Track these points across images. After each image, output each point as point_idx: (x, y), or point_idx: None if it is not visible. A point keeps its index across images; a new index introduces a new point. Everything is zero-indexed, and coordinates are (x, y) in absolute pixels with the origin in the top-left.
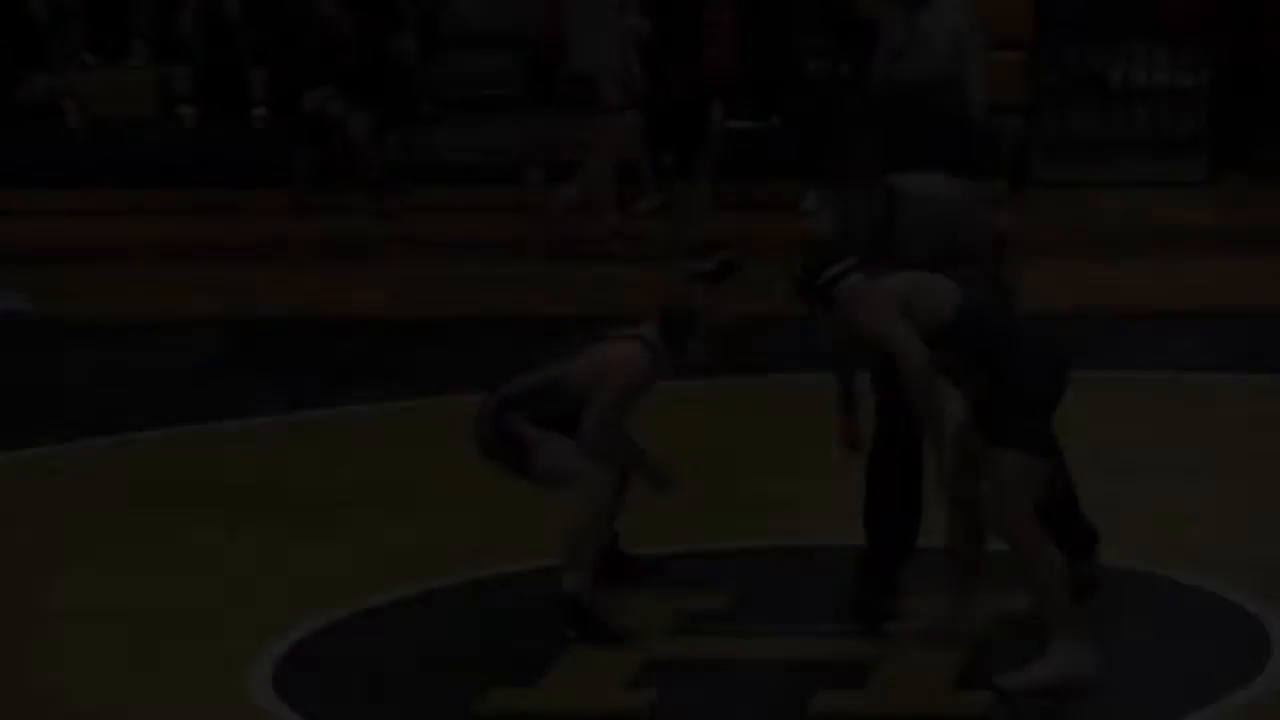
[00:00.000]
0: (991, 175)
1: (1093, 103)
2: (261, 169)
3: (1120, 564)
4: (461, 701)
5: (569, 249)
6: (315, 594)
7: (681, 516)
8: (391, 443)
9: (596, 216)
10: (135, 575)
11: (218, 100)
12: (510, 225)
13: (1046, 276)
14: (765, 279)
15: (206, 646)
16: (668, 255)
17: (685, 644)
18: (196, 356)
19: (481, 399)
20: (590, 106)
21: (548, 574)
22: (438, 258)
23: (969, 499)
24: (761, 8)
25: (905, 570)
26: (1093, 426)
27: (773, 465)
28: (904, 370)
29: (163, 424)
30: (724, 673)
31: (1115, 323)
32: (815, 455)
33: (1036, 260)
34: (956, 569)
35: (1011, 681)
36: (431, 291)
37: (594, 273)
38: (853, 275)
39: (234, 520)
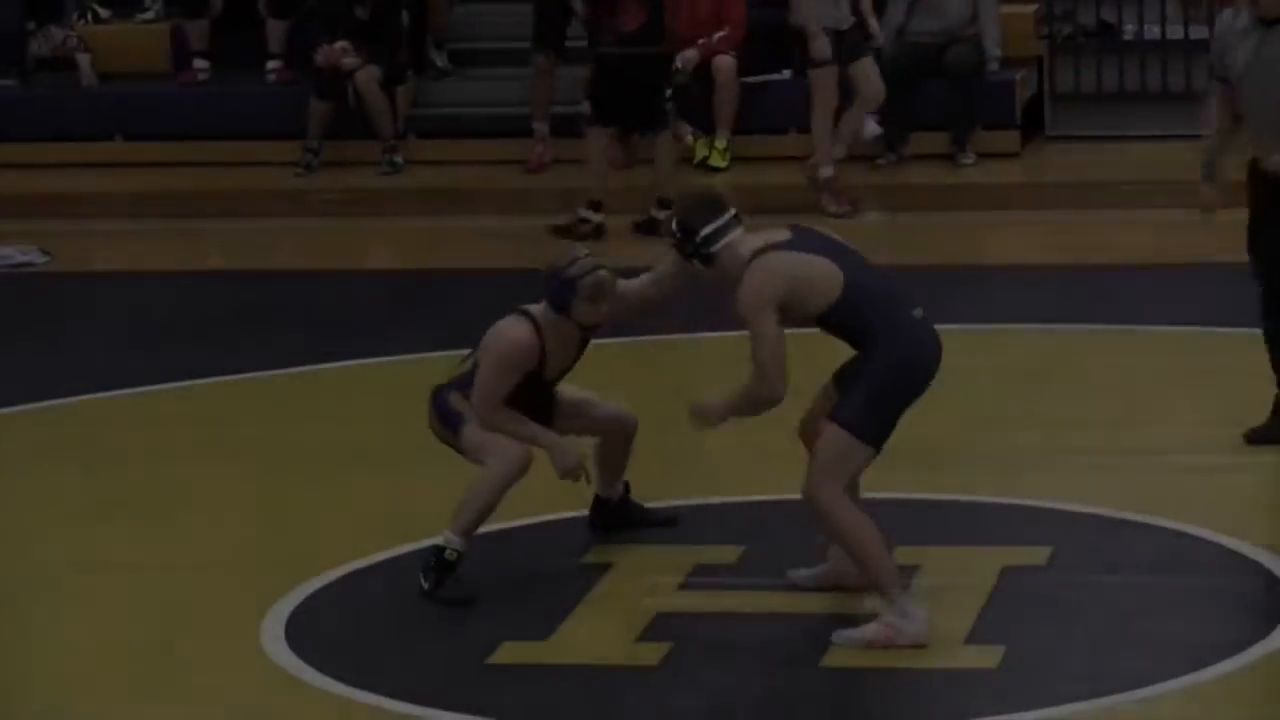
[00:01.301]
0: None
1: (1106, 56)
2: (275, 122)
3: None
4: (474, 655)
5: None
6: (326, 548)
7: (691, 469)
8: (403, 396)
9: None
10: (144, 529)
11: (231, 54)
12: (522, 179)
13: (1059, 229)
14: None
15: (218, 600)
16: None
17: (697, 597)
18: (209, 309)
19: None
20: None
21: (557, 528)
22: (450, 211)
23: (809, 447)
24: None
25: None
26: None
27: (782, 418)
28: (755, 357)
29: (174, 377)
30: (735, 626)
31: (1129, 275)
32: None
33: (1050, 213)
34: None
35: (845, 638)
36: (444, 245)
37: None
38: (732, 231)
39: (244, 474)
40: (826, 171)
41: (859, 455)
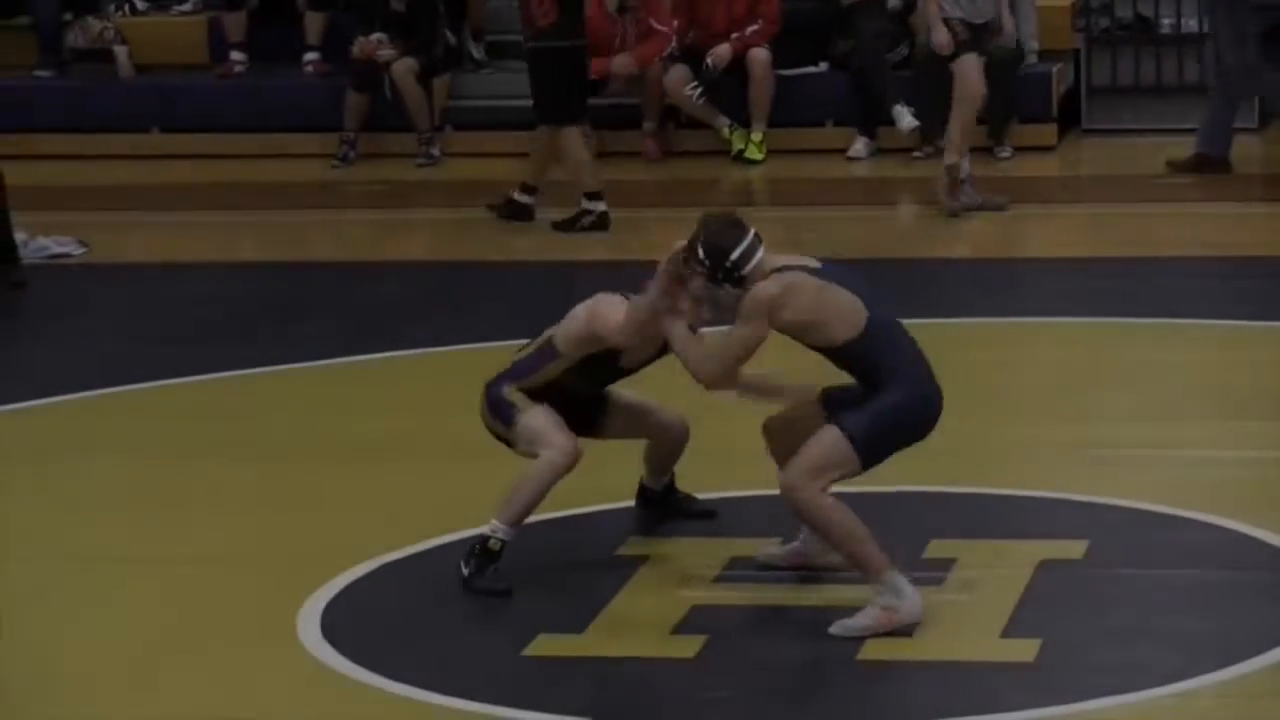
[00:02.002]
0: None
1: (1143, 49)
2: (311, 115)
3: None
4: (511, 647)
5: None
6: (361, 541)
7: (728, 462)
8: (439, 389)
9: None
10: (177, 522)
11: (268, 47)
12: (558, 171)
13: (1095, 223)
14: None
15: (252, 593)
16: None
17: (733, 590)
18: (245, 302)
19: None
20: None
21: (593, 520)
22: (485, 203)
23: (780, 441)
24: None
25: None
26: (1144, 371)
27: None
28: (719, 346)
29: (209, 369)
30: (771, 618)
31: (1163, 268)
32: None
33: (1086, 206)
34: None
35: (844, 628)
36: (480, 237)
37: (639, 217)
38: (759, 249)
39: (278, 467)
40: (954, 161)
41: (848, 466)
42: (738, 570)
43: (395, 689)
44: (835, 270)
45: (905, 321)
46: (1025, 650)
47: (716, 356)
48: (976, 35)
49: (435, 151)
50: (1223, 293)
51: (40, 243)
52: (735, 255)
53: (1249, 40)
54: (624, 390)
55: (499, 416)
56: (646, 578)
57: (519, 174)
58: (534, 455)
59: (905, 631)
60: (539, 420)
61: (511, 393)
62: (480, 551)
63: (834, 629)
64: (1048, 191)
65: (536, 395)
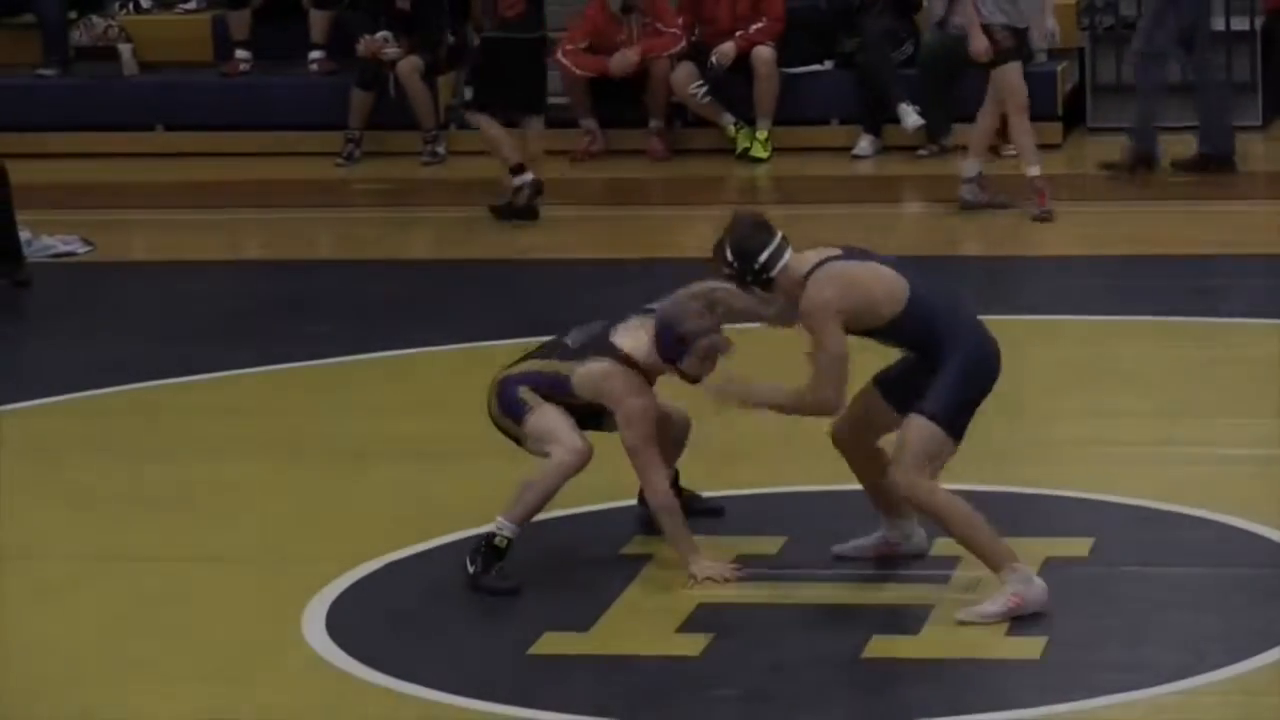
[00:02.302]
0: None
1: None
2: (316, 113)
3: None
4: (516, 645)
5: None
6: (366, 540)
7: (735, 460)
8: (444, 387)
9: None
10: (181, 521)
11: (273, 45)
12: (566, 169)
13: (1100, 220)
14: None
15: (257, 592)
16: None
17: (738, 588)
18: (249, 300)
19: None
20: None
21: (598, 518)
22: (490, 201)
23: (854, 445)
24: None
25: None
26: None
27: None
28: (816, 364)
29: (213, 368)
30: (777, 617)
31: (1170, 266)
32: None
33: (1091, 204)
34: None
35: (973, 614)
36: (485, 235)
37: (644, 215)
38: (786, 251)
39: (282, 466)
40: (1034, 170)
41: (947, 447)
42: (743, 568)
43: (401, 687)
44: (856, 254)
45: None
46: (1031, 648)
47: (819, 380)
48: (1021, 40)
49: (440, 150)
50: (1227, 290)
51: (45, 241)
52: (764, 257)
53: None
54: None
55: (509, 414)
56: (652, 576)
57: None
58: (544, 454)
59: (911, 629)
60: (550, 420)
61: (525, 392)
62: (486, 549)
63: (962, 615)
64: (1052, 190)
65: (547, 395)
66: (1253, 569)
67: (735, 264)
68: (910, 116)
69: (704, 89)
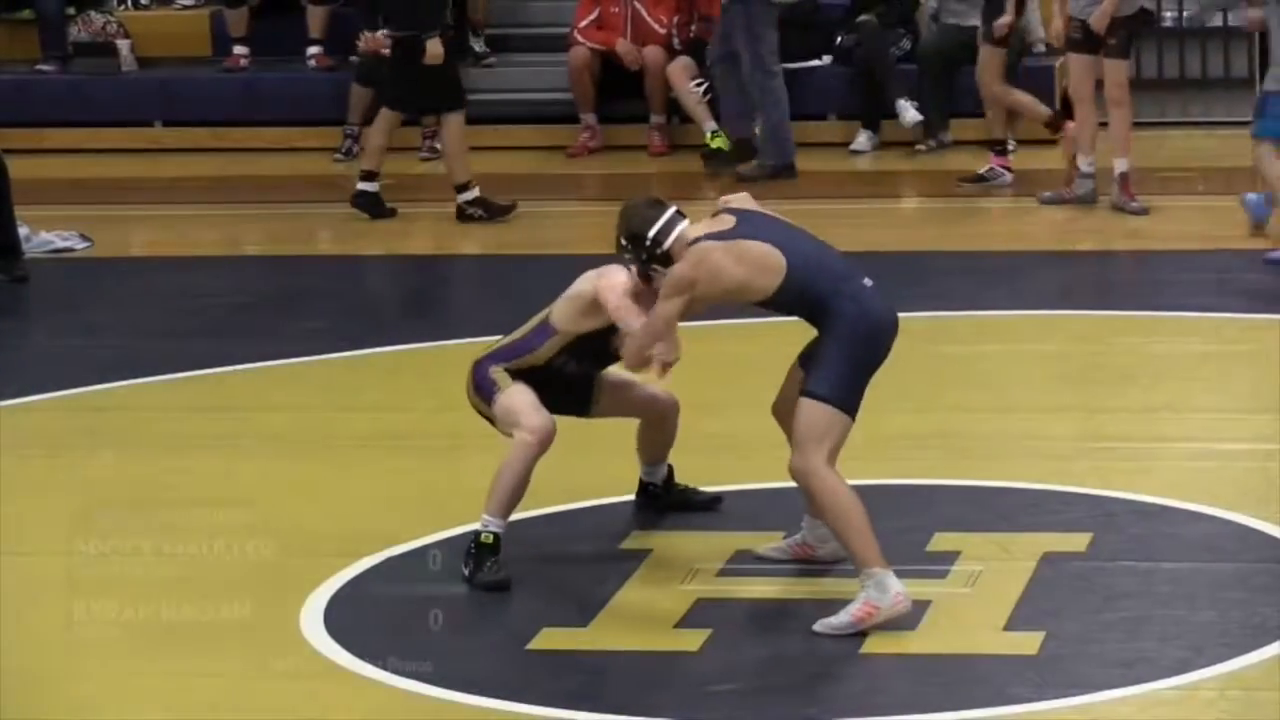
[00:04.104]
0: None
1: (1145, 42)
2: (315, 109)
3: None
4: (515, 640)
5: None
6: (365, 534)
7: (732, 454)
8: (442, 382)
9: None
10: (181, 516)
11: (272, 40)
12: (564, 164)
13: (1098, 215)
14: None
15: (256, 586)
16: None
17: (737, 583)
18: (248, 295)
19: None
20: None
21: (597, 513)
22: (490, 197)
23: (788, 422)
24: None
25: None
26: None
27: None
28: (641, 325)
29: (212, 363)
30: (776, 612)
31: (1169, 261)
32: (869, 396)
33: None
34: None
35: (827, 626)
36: (481, 230)
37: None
38: (678, 224)
39: (282, 460)
40: (1121, 166)
41: (839, 425)
42: (742, 563)
43: (399, 683)
44: (750, 222)
45: (906, 315)
46: (1029, 643)
47: (641, 327)
48: (1087, 34)
49: (438, 145)
50: (1228, 285)
51: (44, 237)
52: (653, 233)
53: None
54: (614, 369)
55: (481, 395)
56: (650, 571)
57: (519, 166)
58: (509, 435)
59: (908, 625)
60: (515, 399)
61: (496, 372)
62: (476, 548)
63: (817, 627)
64: (1051, 184)
65: (525, 377)
66: (1250, 564)
67: (630, 247)
68: (908, 112)
69: (704, 86)
